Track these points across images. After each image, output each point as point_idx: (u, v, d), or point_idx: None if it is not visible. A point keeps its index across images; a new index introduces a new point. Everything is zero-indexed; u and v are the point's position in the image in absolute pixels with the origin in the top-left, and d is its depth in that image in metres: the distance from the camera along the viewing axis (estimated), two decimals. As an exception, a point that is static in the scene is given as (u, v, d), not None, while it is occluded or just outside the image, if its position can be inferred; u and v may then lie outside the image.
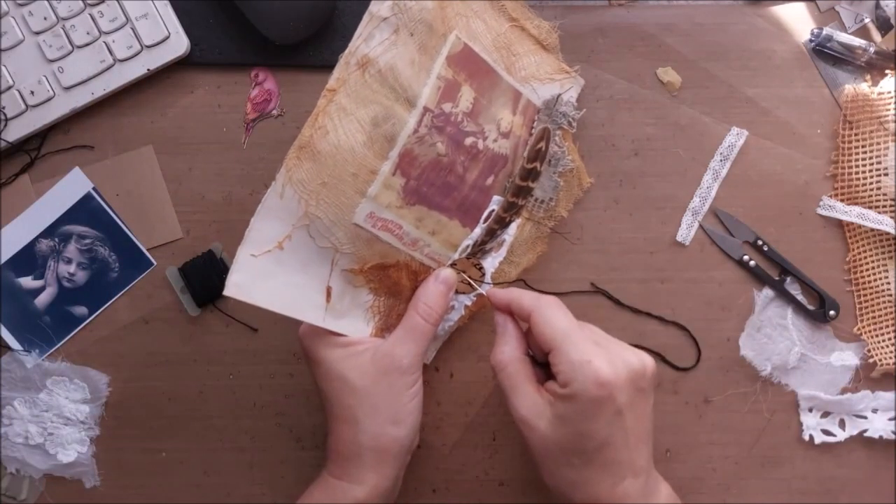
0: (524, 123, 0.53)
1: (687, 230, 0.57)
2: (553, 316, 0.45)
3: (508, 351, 0.47)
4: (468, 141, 0.50)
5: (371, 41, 0.45)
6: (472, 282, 0.52)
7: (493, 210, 0.52)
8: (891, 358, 0.55)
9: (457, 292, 0.52)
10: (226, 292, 0.44)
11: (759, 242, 0.57)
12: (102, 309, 0.58)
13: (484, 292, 0.51)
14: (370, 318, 0.51)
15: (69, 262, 0.58)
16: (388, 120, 0.47)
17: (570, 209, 0.56)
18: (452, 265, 0.52)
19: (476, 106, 0.50)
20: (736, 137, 0.57)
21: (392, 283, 0.51)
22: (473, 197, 0.51)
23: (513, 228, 0.54)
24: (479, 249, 0.53)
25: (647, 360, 0.45)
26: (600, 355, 0.43)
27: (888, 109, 0.55)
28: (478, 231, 0.52)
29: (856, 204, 0.56)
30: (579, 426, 0.43)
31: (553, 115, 0.54)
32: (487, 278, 0.54)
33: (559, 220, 0.56)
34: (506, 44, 0.52)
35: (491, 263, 0.54)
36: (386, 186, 0.48)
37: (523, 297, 0.47)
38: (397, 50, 0.46)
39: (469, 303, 0.54)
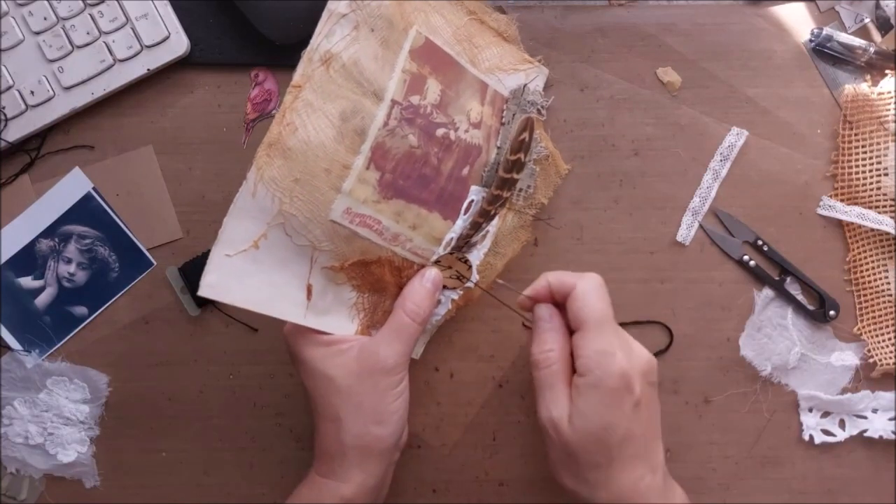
0: (493, 113, 0.53)
1: (687, 230, 0.57)
2: (594, 297, 0.46)
3: (557, 349, 0.47)
4: (440, 132, 0.50)
5: (332, 38, 0.45)
6: (461, 274, 0.52)
7: (472, 200, 0.52)
8: (891, 358, 0.55)
9: (444, 287, 0.52)
10: (200, 292, 0.44)
11: (759, 242, 0.57)
12: (102, 309, 0.58)
13: (472, 286, 0.51)
14: (355, 316, 0.51)
15: (69, 262, 0.58)
16: (357, 114, 0.46)
17: (550, 196, 0.56)
18: (437, 262, 0.52)
19: (444, 98, 0.50)
20: (736, 137, 0.57)
21: (375, 279, 0.50)
22: (451, 188, 0.51)
23: (495, 219, 0.54)
24: (465, 243, 0.53)
25: (652, 356, 0.46)
26: (622, 347, 0.45)
27: (888, 109, 0.55)
28: (460, 223, 0.52)
29: (856, 204, 0.56)
30: (602, 417, 0.44)
31: (521, 104, 0.54)
32: (474, 271, 0.54)
33: (539, 207, 0.56)
34: (467, 36, 0.52)
35: (476, 256, 0.54)
36: (360, 181, 0.47)
37: (565, 276, 0.48)
38: (359, 45, 0.46)
39: (456, 297, 0.54)
